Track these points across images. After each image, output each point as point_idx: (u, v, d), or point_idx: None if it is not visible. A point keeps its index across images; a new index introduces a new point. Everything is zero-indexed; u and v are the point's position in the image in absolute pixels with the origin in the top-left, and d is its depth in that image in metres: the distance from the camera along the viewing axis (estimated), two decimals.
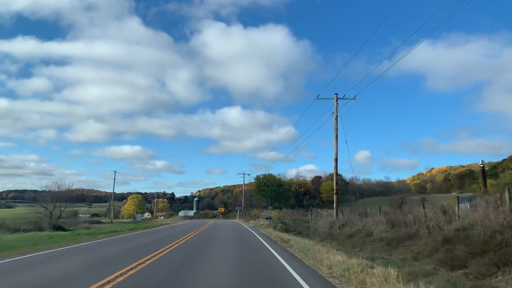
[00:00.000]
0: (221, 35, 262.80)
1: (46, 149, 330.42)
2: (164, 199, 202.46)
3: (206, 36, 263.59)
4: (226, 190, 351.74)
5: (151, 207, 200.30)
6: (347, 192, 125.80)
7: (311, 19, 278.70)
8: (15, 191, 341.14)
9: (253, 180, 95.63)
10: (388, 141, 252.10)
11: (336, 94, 34.69)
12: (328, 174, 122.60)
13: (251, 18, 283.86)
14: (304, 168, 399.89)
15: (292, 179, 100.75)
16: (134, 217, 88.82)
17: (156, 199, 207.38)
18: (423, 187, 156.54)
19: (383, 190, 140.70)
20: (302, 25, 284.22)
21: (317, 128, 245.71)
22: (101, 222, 75.16)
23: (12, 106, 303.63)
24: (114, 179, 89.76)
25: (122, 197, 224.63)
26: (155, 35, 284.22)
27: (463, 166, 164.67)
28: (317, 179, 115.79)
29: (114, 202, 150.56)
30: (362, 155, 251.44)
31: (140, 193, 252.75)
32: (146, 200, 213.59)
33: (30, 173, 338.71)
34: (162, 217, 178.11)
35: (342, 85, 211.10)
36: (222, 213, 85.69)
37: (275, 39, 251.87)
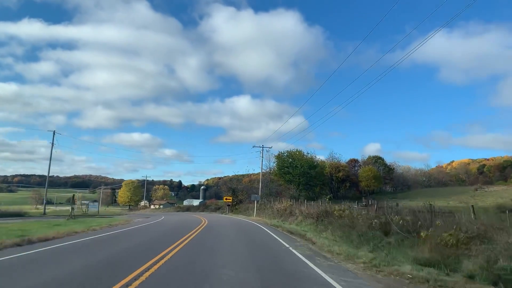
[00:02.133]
0: (230, 20, 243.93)
1: (55, 135, 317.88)
2: (165, 186, 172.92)
3: (215, 21, 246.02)
4: (235, 179, 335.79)
5: (151, 194, 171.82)
6: (390, 181, 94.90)
7: (323, 4, 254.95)
8: (22, 175, 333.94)
9: (270, 164, 64.93)
10: (398, 134, 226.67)
11: None
12: (366, 157, 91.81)
13: (261, 2, 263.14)
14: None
15: (324, 161, 70.20)
16: (87, 206, 58.42)
17: (156, 186, 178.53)
18: (461, 179, 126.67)
19: (427, 181, 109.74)
20: (314, 11, 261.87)
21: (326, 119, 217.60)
22: (24, 216, 45.33)
23: (21, 90, 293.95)
24: (52, 144, 59.03)
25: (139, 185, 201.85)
26: (163, 19, 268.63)
27: (487, 159, 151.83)
28: (352, 163, 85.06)
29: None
30: (373, 147, 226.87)
31: (148, 181, 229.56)
32: (151, 185, 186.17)
33: (40, 158, 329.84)
34: (161, 206, 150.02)
35: (353, 74, 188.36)
36: (229, 205, 56.10)
37: (286, 24, 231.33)
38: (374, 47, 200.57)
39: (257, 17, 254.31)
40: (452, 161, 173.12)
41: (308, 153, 65.24)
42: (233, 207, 57.18)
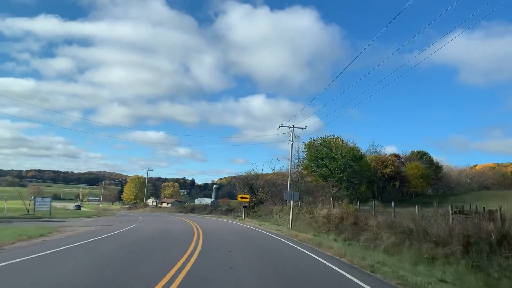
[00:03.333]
0: (246, 18, 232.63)
1: (72, 132, 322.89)
2: (175, 184, 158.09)
3: (231, 19, 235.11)
4: (250, 178, 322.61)
5: (159, 192, 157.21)
6: (438, 181, 77.54)
7: (341, 2, 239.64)
8: (36, 170, 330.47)
9: (299, 155, 48.77)
10: (414, 136, 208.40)
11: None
12: (409, 152, 74.67)
13: (277, 0, 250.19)
14: None
15: (365, 154, 53.80)
16: (31, 202, 41.96)
17: (165, 183, 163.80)
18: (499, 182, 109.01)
19: (470, 183, 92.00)
20: (331, 9, 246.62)
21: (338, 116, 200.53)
22: None
23: (38, 86, 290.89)
24: None
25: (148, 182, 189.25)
26: (179, 17, 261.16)
27: None
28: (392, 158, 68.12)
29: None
30: (387, 150, 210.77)
31: (161, 178, 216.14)
32: (160, 182, 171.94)
33: (57, 154, 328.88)
34: (169, 204, 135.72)
35: (370, 75, 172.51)
36: (245, 206, 39.76)
37: (302, 23, 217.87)
38: (392, 47, 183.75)
39: (273, 15, 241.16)
40: (476, 165, 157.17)
41: (347, 140, 48.76)
42: (251, 209, 41.28)
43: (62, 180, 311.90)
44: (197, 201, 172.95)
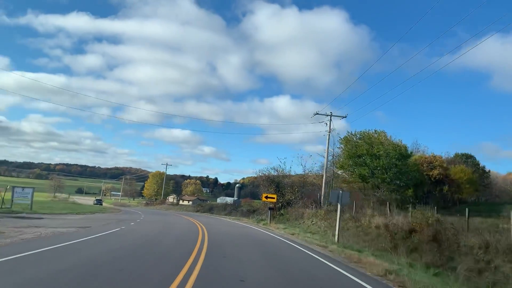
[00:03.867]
0: (274, 17, 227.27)
1: (100, 127, 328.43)
2: (197, 181, 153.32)
3: (258, 18, 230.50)
4: (277, 175, 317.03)
5: (181, 189, 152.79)
6: (486, 188, 68.84)
7: (370, 3, 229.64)
8: (64, 164, 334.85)
9: (334, 151, 42.13)
10: (443, 142, 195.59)
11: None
12: (452, 155, 66.38)
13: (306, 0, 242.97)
14: None
15: (412, 153, 46.61)
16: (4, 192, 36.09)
17: (187, 181, 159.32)
18: None
19: None
20: (360, 10, 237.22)
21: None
22: None
23: (69, 82, 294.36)
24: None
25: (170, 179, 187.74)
26: (207, 16, 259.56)
27: None
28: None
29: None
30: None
31: (184, 176, 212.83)
32: (185, 178, 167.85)
33: (85, 149, 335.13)
34: (190, 202, 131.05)
35: (397, 78, 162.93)
36: (272, 208, 33.11)
37: (330, 23, 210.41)
38: (422, 50, 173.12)
39: (301, 15, 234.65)
40: (509, 173, 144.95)
41: (390, 136, 41.54)
42: (277, 211, 34.88)
43: (89, 174, 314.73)
44: (219, 200, 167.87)
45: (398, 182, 37.97)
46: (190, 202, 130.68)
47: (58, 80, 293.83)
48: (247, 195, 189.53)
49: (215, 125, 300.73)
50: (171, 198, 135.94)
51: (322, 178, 36.01)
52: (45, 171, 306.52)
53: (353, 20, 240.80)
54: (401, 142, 39.59)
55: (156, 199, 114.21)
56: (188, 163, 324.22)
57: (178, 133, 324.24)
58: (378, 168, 37.52)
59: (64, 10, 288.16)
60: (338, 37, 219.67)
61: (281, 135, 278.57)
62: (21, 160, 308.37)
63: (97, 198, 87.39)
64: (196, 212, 46.23)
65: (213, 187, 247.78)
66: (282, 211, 34.18)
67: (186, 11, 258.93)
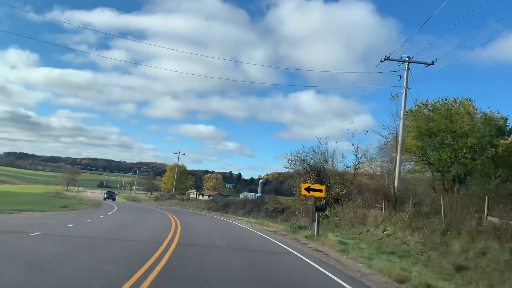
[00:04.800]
0: (298, 10, 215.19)
1: (126, 123, 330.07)
2: (218, 175, 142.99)
3: (282, 11, 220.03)
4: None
5: (201, 183, 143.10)
6: None
7: None
8: (90, 158, 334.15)
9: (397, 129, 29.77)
10: None
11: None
12: None
13: None
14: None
15: None
16: None
17: (208, 175, 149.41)
18: None
19: None
20: (387, 1, 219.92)
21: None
22: None
23: (95, 78, 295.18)
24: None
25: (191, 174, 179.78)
26: (231, 10, 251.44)
27: None
28: None
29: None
30: None
31: (208, 171, 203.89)
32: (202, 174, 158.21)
33: (112, 144, 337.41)
34: (210, 197, 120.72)
35: (421, 72, 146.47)
36: (321, 208, 21.71)
37: (356, 16, 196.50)
38: (452, 42, 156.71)
39: (326, 7, 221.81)
40: None
41: (480, 108, 28.84)
42: (321, 212, 23.09)
43: (114, 169, 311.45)
44: (241, 196, 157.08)
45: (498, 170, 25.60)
46: (210, 197, 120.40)
47: (84, 75, 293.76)
48: (271, 191, 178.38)
49: (239, 120, 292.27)
50: (191, 193, 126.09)
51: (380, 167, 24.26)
52: (71, 165, 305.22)
53: (380, 12, 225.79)
54: (501, 115, 26.97)
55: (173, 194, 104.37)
56: (212, 159, 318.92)
57: (202, 128, 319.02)
58: (464, 151, 25.27)
59: (89, 6, 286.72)
60: (365, 29, 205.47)
61: (305, 130, 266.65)
62: (49, 154, 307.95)
63: (108, 191, 77.06)
64: (208, 209, 35.23)
65: (236, 183, 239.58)
66: (327, 212, 22.55)
67: (209, 6, 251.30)
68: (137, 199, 75.53)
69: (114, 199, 58.57)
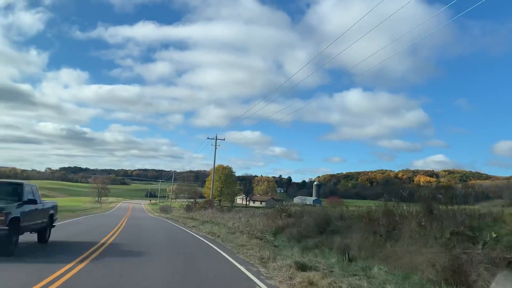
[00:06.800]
0: (339, 4, 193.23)
1: (174, 133, 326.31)
2: (270, 178, 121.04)
3: (323, 8, 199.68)
4: (350, 176, 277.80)
5: (252, 187, 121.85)
6: None
7: None
8: (140, 169, 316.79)
9: None
10: None
11: None
12: None
13: None
14: (432, 159, 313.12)
15: None
16: None
17: (259, 177, 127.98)
18: None
19: None
20: None
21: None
22: None
23: (142, 91, 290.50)
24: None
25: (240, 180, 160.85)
26: (270, 12, 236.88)
27: None
28: None
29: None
30: (504, 146, 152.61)
31: (256, 177, 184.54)
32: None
33: (162, 155, 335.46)
34: (262, 202, 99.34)
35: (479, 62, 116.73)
36: None
37: (401, 4, 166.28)
38: (507, 26, 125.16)
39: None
40: None
41: None
42: None
43: (165, 178, 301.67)
44: (295, 200, 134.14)
45: None
46: (263, 203, 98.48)
47: (132, 90, 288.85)
48: (326, 194, 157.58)
49: (284, 124, 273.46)
50: (239, 199, 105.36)
51: None
52: (122, 176, 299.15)
53: None
54: None
55: (219, 200, 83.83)
56: (259, 164, 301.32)
57: (248, 134, 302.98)
58: None
59: (131, 20, 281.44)
60: (411, 19, 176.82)
61: (353, 130, 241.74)
62: (103, 168, 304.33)
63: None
64: (272, 234, 14.60)
65: (287, 187, 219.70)
66: None
67: (249, 10, 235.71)
68: (167, 209, 55.72)
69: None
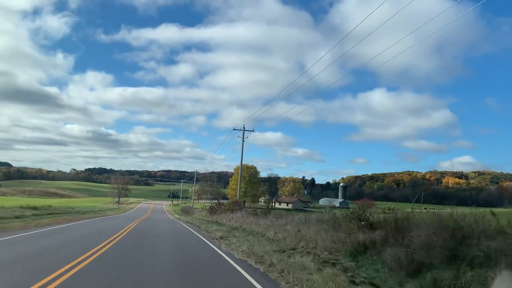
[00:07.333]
0: (363, 3, 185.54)
1: (197, 135, 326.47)
2: (296, 178, 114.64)
3: (346, 6, 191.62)
4: (376, 178, 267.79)
5: (277, 188, 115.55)
6: None
7: None
8: (163, 171, 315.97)
9: None
10: None
11: None
12: None
13: None
14: (459, 160, 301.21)
15: None
16: None
17: (284, 177, 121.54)
18: None
19: None
20: None
21: None
22: None
23: (166, 93, 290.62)
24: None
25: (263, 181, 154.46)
26: (293, 12, 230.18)
27: None
28: None
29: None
30: None
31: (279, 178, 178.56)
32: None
33: (185, 156, 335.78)
34: (289, 204, 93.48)
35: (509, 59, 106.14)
36: None
37: (427, 2, 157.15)
38: None
39: None
40: None
41: None
42: None
43: (188, 179, 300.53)
44: (321, 202, 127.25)
45: None
46: (290, 205, 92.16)
47: (156, 92, 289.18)
48: (352, 196, 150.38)
49: (307, 125, 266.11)
50: (262, 200, 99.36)
51: None
52: (146, 177, 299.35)
53: None
54: None
55: (244, 202, 78.15)
56: (281, 166, 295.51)
57: (270, 136, 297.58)
58: None
59: (154, 23, 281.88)
60: (437, 17, 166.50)
61: (377, 131, 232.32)
62: (127, 169, 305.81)
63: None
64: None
65: (311, 188, 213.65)
66: None
67: (271, 10, 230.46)
68: (190, 210, 50.60)
69: None
